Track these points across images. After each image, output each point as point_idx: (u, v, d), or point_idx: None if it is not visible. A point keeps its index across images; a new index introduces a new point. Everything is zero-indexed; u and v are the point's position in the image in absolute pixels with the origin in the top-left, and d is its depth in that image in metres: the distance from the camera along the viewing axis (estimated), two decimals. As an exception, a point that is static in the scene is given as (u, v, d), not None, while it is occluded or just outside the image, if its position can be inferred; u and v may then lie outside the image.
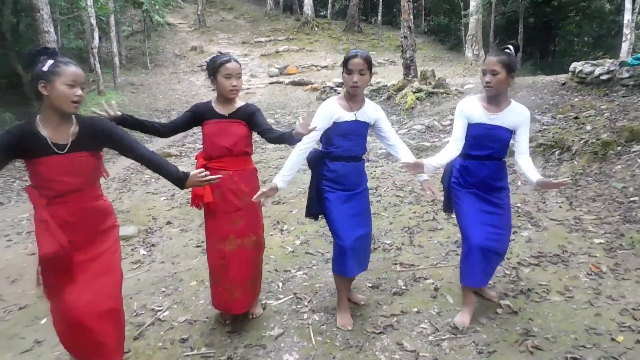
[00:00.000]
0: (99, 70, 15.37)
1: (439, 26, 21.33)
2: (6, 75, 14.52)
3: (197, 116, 2.64)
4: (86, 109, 14.18)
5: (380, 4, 20.32)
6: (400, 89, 9.42)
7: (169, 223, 4.74)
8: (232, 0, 28.74)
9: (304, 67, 17.35)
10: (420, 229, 4.07)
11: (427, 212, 4.42)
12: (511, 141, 2.65)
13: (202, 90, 17.21)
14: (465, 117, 2.59)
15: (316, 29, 21.27)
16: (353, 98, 2.59)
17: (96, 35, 15.38)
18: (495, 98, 2.54)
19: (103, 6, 14.82)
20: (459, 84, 9.69)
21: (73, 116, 2.02)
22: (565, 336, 2.51)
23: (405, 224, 4.19)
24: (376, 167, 6.10)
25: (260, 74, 17.61)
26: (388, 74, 14.22)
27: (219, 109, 2.62)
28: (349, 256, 2.57)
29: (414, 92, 8.72)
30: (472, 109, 2.59)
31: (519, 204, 4.40)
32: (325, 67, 17.20)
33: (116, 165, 7.87)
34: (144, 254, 4.02)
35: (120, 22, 19.91)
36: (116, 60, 16.53)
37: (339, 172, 2.61)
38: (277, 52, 19.49)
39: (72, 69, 1.92)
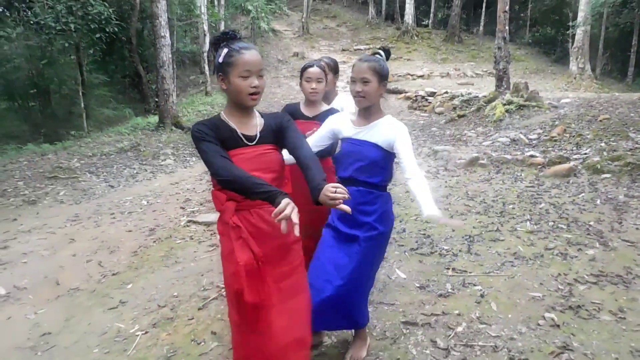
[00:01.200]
0: (207, 73, 16.77)
1: (545, 37, 20.15)
2: (130, 75, 16.42)
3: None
4: (193, 108, 15.52)
5: (483, 13, 19.75)
6: (490, 101, 9.18)
7: (246, 212, 5.20)
8: (336, 9, 29.60)
9: (399, 75, 17.39)
10: (482, 238, 4.07)
11: (492, 222, 4.39)
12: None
13: (300, 95, 18.06)
14: (331, 130, 2.34)
15: (415, 38, 21.20)
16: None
17: (207, 40, 16.78)
18: (366, 110, 2.23)
19: (214, 14, 16.15)
20: (556, 98, 9.20)
21: (254, 109, 1.90)
22: (606, 355, 2.45)
23: (467, 232, 4.20)
24: (452, 176, 6.09)
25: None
26: (485, 86, 13.83)
27: (305, 110, 2.84)
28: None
29: (504, 105, 8.47)
30: (340, 121, 2.34)
31: (591, 222, 4.20)
32: (421, 76, 17.10)
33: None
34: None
35: (230, 28, 21.54)
36: (224, 64, 17.91)
37: None
38: (374, 60, 19.75)
39: (245, 57, 1.72)
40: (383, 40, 22.08)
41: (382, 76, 2.16)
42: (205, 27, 16.36)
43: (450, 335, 2.69)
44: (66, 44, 11.59)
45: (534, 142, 6.96)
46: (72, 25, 10.85)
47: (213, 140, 1.74)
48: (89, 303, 3.31)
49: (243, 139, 1.80)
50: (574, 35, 14.45)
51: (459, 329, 2.74)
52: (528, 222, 4.36)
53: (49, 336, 2.89)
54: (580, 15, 13.63)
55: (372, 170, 2.22)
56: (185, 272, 3.72)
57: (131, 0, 14.22)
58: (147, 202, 5.85)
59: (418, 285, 3.30)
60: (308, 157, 1.81)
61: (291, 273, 1.90)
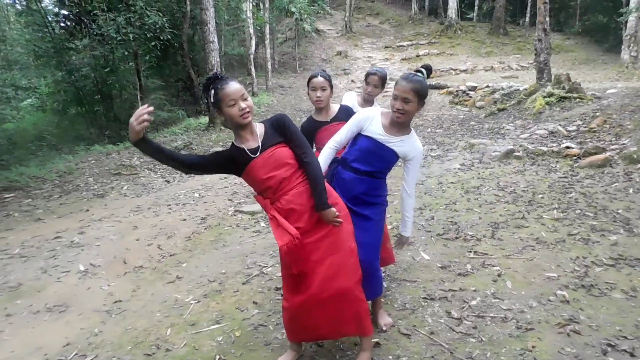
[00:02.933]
0: (254, 74, 17.44)
1: (596, 26, 19.37)
2: (182, 79, 17.36)
3: (310, 131, 2.92)
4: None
5: (529, 4, 19.28)
6: (531, 94, 9.16)
7: (288, 203, 5.63)
8: (378, 6, 29.65)
9: (442, 70, 17.35)
10: (507, 225, 4.28)
11: (519, 211, 4.58)
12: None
13: (342, 93, 18.41)
14: (358, 124, 2.54)
15: (459, 32, 21.00)
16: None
17: (253, 43, 17.45)
18: (401, 123, 2.45)
19: (259, 17, 16.77)
20: (601, 89, 9.05)
21: (254, 122, 2.21)
22: (610, 327, 2.66)
23: (494, 220, 4.43)
24: (486, 168, 6.26)
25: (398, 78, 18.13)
26: (530, 78, 13.61)
27: (320, 118, 2.97)
28: None
29: (545, 97, 8.44)
30: (370, 118, 2.51)
31: (619, 210, 4.31)
32: (465, 71, 17.00)
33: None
34: (263, 226, 4.93)
35: (275, 30, 22.17)
36: (269, 65, 18.53)
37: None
38: (417, 56, 19.76)
39: (226, 90, 2.07)
40: (426, 36, 22.01)
41: (422, 96, 2.35)
42: (251, 30, 17.02)
43: (464, 307, 2.98)
44: (125, 53, 12.52)
45: (572, 133, 6.97)
46: (130, 35, 11.75)
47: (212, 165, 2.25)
48: (151, 278, 3.85)
49: (249, 153, 2.17)
50: (626, 22, 13.92)
51: (473, 302, 3.03)
52: (555, 210, 4.52)
53: (120, 303, 3.43)
54: (634, 0, 13.11)
55: (387, 168, 2.59)
56: (232, 253, 4.20)
57: (183, 9, 15.08)
58: (199, 195, 6.42)
59: (440, 265, 3.59)
60: (315, 168, 2.25)
61: (328, 234, 2.26)
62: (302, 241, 2.21)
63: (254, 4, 17.94)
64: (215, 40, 11.85)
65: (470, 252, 3.80)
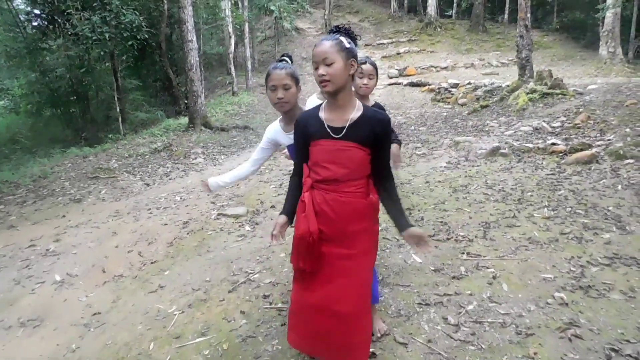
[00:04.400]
0: (233, 74, 17.20)
1: (573, 22, 19.66)
2: (160, 79, 17.03)
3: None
4: (221, 108, 15.94)
5: (508, 1, 19.45)
6: (514, 90, 9.18)
7: (272, 207, 5.47)
8: (358, 4, 29.65)
9: (423, 68, 17.39)
10: (498, 224, 4.21)
11: (509, 210, 4.51)
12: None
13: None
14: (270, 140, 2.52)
15: (439, 29, 21.09)
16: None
17: (232, 42, 17.22)
18: (289, 114, 2.36)
19: (238, 16, 16.54)
20: (582, 85, 9.12)
21: (357, 102, 2.01)
22: (612, 330, 2.59)
23: (484, 219, 4.35)
24: (473, 166, 6.20)
25: (380, 75, 18.08)
26: (510, 75, 13.69)
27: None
28: None
29: (527, 93, 8.46)
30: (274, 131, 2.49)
31: (610, 207, 4.28)
32: (445, 68, 17.05)
33: (240, 157, 8.98)
34: (248, 230, 4.77)
35: (254, 29, 21.97)
36: (249, 64, 18.32)
37: None
38: (398, 53, 19.78)
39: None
40: (406, 33, 22.05)
41: (297, 79, 2.29)
42: (230, 29, 16.80)
43: (461, 312, 2.88)
44: (102, 53, 12.17)
45: (557, 130, 6.98)
46: (106, 35, 11.41)
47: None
48: (132, 287, 3.65)
49: (329, 130, 1.95)
50: (604, 18, 14.12)
51: (470, 307, 2.93)
52: (546, 209, 4.47)
53: (99, 315, 3.24)
54: (610, -3, 13.29)
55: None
56: (216, 259, 4.03)
57: (160, 7, 14.76)
58: (181, 198, 6.21)
59: (433, 268, 3.49)
60: (395, 186, 2.08)
61: (349, 258, 2.00)
62: (319, 243, 1.99)
63: (233, 2, 17.69)
64: (194, 39, 11.61)
65: (463, 253, 3.70)
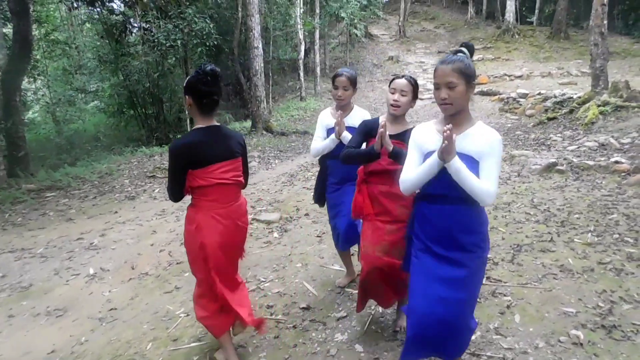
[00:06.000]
0: (302, 79, 17.51)
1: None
2: (232, 83, 17.77)
3: (367, 133, 2.61)
4: (287, 112, 16.29)
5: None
6: (585, 102, 8.47)
7: (306, 214, 5.48)
8: (434, 11, 29.01)
9: (496, 76, 16.59)
10: (531, 248, 3.90)
11: (549, 232, 4.17)
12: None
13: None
14: (417, 147, 2.09)
15: (517, 36, 20.01)
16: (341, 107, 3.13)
17: (302, 48, 17.53)
18: (454, 118, 1.98)
19: (307, 23, 16.82)
20: (667, 98, 8.21)
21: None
22: (627, 379, 2.31)
23: (518, 241, 4.06)
24: (523, 182, 5.81)
25: (449, 83, 17.52)
26: (589, 85, 12.69)
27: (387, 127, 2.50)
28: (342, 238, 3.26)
29: (599, 106, 7.77)
30: (423, 133, 2.09)
31: (662, 238, 3.82)
32: (520, 76, 16.14)
33: (293, 162, 9.11)
34: (275, 237, 4.82)
35: (327, 35, 22.19)
36: (318, 70, 18.55)
37: (331, 167, 3.22)
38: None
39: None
40: (482, 40, 21.17)
41: (469, 76, 1.91)
42: (301, 36, 17.11)
43: (461, 341, 2.70)
44: (174, 58, 12.93)
45: (625, 146, 6.35)
46: (179, 42, 12.11)
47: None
48: (152, 286, 3.84)
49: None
50: None
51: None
52: (589, 234, 4.08)
53: (115, 311, 3.43)
54: None
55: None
56: (235, 264, 4.11)
57: (235, 16, 15.47)
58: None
59: (446, 291, 3.31)
60: None
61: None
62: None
63: (304, 9, 18.03)
64: (260, 45, 11.97)
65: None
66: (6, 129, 10.26)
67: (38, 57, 16.48)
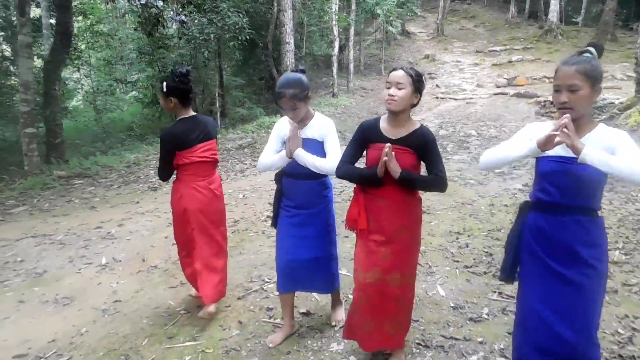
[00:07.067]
0: (335, 75, 17.40)
1: None
2: (265, 77, 17.83)
3: (365, 139, 2.36)
4: (318, 109, 16.30)
5: (646, 7, 17.08)
6: (627, 108, 8.01)
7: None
8: (475, 9, 28.25)
9: (535, 78, 16.00)
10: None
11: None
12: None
13: (425, 98, 17.71)
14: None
15: (559, 37, 19.22)
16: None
17: (336, 44, 17.41)
18: (575, 121, 1.77)
19: (342, 19, 16.68)
20: None
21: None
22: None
23: (538, 256, 3.85)
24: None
25: (487, 83, 16.99)
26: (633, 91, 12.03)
27: (386, 130, 2.30)
28: (280, 274, 2.81)
29: (642, 113, 7.33)
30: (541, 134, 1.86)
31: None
32: (561, 79, 15.50)
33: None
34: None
35: (362, 32, 21.95)
36: (351, 66, 18.39)
37: (288, 188, 2.68)
38: (509, 62, 18.42)
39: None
40: (522, 41, 20.46)
41: (595, 79, 1.76)
42: (335, 32, 16.99)
43: (461, 361, 2.56)
44: (206, 52, 13.06)
45: (667, 159, 5.94)
46: (212, 35, 12.21)
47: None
48: (158, 280, 3.84)
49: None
50: None
51: (473, 357, 2.59)
52: (618, 251, 3.83)
53: (118, 303, 3.45)
54: None
55: (588, 191, 1.85)
56: (243, 263, 4.07)
57: (270, 10, 15.50)
58: (243, 196, 6.41)
59: (453, 304, 3.16)
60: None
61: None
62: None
63: (340, 5, 17.87)
64: (292, 41, 11.95)
65: (495, 292, 3.31)
66: (45, 117, 10.66)
67: (82, 47, 17.04)
